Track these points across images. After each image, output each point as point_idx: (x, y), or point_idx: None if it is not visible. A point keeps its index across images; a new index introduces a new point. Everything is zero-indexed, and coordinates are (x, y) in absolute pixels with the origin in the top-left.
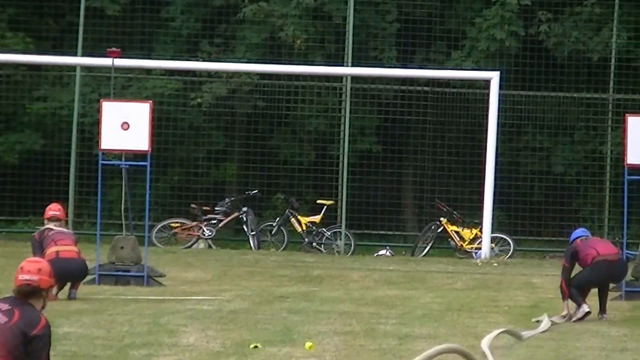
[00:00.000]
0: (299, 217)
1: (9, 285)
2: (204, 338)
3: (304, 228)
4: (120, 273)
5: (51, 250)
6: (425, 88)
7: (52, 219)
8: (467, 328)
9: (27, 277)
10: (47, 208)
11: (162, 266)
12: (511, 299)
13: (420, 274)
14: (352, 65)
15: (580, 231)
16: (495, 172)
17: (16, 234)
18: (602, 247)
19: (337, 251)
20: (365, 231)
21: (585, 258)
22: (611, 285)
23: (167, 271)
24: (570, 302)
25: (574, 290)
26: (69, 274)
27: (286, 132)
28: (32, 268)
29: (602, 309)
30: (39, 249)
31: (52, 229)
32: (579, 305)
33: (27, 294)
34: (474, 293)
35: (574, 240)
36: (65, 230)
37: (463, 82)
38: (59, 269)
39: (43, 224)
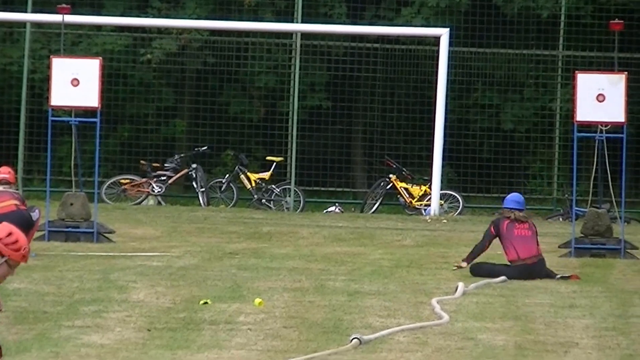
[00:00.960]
0: (248, 173)
1: None
2: (153, 294)
3: (254, 185)
4: (70, 229)
5: None
6: (375, 45)
7: (1, 182)
8: (416, 285)
9: None
10: None
11: (112, 223)
12: (460, 256)
13: (370, 231)
14: (302, 22)
15: (512, 200)
16: (445, 129)
17: None
18: (522, 249)
19: (286, 208)
20: (315, 188)
21: (506, 251)
22: (560, 242)
23: (117, 228)
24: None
25: (486, 271)
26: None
27: (236, 89)
28: None
29: None
30: None
31: None
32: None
33: None
34: (423, 250)
35: (505, 208)
36: (9, 190)
37: (413, 39)
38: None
39: None
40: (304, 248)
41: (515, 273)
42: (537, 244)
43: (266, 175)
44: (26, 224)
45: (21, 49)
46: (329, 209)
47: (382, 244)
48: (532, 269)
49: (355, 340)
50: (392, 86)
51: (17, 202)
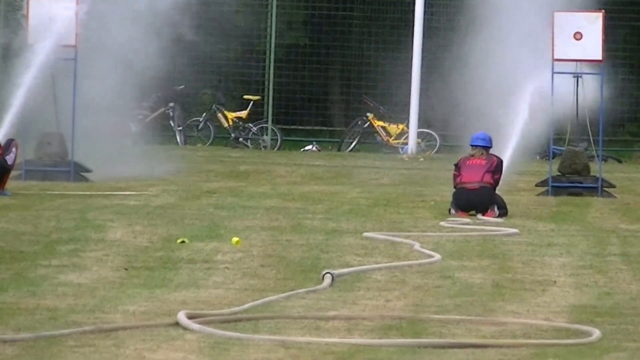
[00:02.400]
0: (225, 112)
1: None
2: (131, 233)
3: (231, 123)
4: (47, 168)
5: None
6: None
7: None
8: (393, 223)
9: None
10: None
11: (89, 162)
12: (437, 194)
13: (347, 169)
14: None
15: (477, 137)
16: (422, 68)
17: None
18: (466, 174)
19: (263, 146)
20: (292, 127)
21: (455, 178)
22: (537, 181)
23: (94, 167)
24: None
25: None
26: None
27: (213, 27)
28: None
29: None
30: None
31: None
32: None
33: None
34: (401, 188)
35: (471, 145)
36: None
37: None
38: None
39: None
40: (282, 187)
41: (455, 198)
42: (489, 174)
43: (243, 114)
44: (2, 170)
45: None
46: (307, 148)
47: (360, 182)
48: (470, 194)
49: (328, 275)
50: (369, 25)
51: None
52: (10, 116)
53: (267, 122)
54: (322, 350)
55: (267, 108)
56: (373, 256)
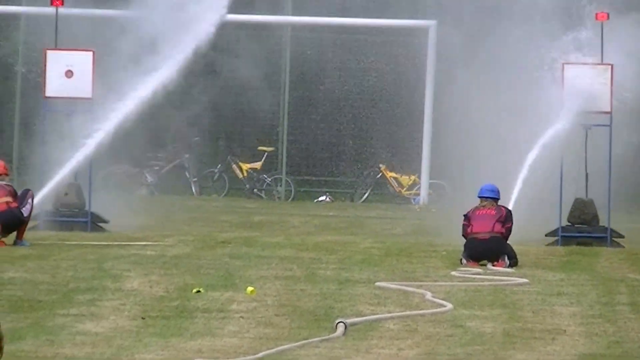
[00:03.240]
0: (240, 163)
1: None
2: (147, 283)
3: (245, 175)
4: (64, 219)
5: None
6: (364, 36)
7: None
8: (406, 273)
9: None
10: None
11: (106, 212)
12: (449, 244)
13: (360, 220)
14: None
15: (486, 189)
16: (433, 120)
17: None
18: (477, 224)
19: (277, 197)
20: (305, 177)
21: (465, 228)
22: (547, 231)
23: (111, 217)
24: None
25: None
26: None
27: (228, 80)
28: None
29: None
30: None
31: None
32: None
33: None
34: (413, 238)
35: (480, 197)
36: (1, 183)
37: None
38: None
39: None
40: (295, 237)
41: (466, 248)
42: (499, 224)
43: (258, 165)
44: (18, 222)
45: (16, 42)
46: (320, 198)
47: (372, 232)
48: (481, 244)
49: (341, 324)
50: (381, 77)
51: (9, 198)
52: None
53: (281, 173)
54: None
55: (281, 159)
56: (385, 305)
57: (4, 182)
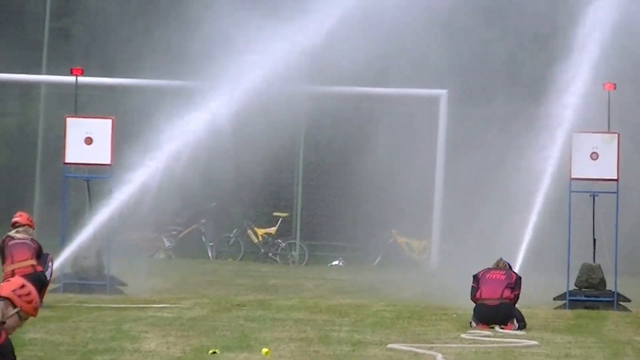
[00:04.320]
0: (255, 228)
1: None
2: (164, 344)
3: (260, 239)
4: (83, 282)
5: (8, 268)
6: (377, 105)
7: (15, 225)
8: (417, 335)
9: None
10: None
11: (124, 275)
12: (459, 307)
13: (372, 283)
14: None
15: None
16: (444, 185)
17: None
18: (486, 290)
19: (292, 261)
20: (319, 242)
21: (474, 291)
22: (555, 294)
23: (129, 280)
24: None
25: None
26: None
27: (243, 146)
28: (8, 280)
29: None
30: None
31: (13, 238)
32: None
33: None
34: (424, 301)
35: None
36: (27, 240)
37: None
38: None
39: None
40: (309, 300)
41: (475, 312)
42: (508, 290)
43: (272, 230)
44: (40, 284)
45: (37, 109)
46: (333, 262)
47: (384, 295)
48: (490, 310)
49: None
50: (394, 145)
51: (34, 261)
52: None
53: (295, 238)
54: None
55: (295, 225)
56: None
57: (28, 238)
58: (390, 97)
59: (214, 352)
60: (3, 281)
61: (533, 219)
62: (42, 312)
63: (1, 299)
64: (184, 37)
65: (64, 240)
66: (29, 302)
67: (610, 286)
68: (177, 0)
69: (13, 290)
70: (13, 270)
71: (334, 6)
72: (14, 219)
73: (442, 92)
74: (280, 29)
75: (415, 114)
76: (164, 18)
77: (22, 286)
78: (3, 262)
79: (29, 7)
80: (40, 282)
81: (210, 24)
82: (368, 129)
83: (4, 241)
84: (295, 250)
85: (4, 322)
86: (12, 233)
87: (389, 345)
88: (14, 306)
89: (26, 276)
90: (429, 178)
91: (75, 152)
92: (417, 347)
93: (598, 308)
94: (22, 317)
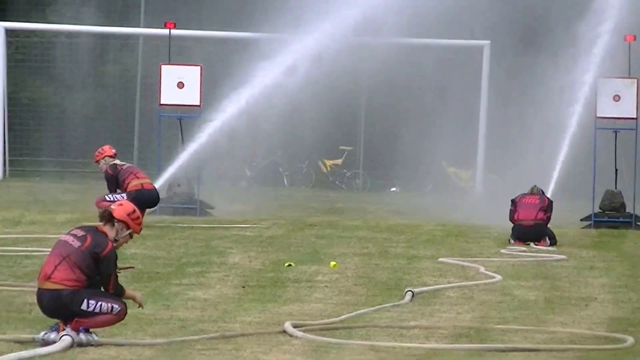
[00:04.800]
0: (324, 160)
1: (84, 216)
2: (247, 258)
3: (329, 169)
4: (177, 206)
5: (135, 182)
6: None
7: (116, 156)
8: (463, 250)
9: (109, 206)
10: (104, 148)
11: (212, 200)
12: (499, 227)
13: (425, 207)
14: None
15: None
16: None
17: (89, 173)
18: (522, 212)
19: (355, 188)
20: (380, 171)
21: (512, 214)
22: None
23: (216, 204)
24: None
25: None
26: (151, 202)
27: (316, 90)
28: (118, 203)
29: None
30: (113, 182)
31: (122, 164)
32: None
33: (102, 219)
34: (469, 223)
35: None
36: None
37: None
38: (147, 197)
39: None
40: (371, 220)
41: (513, 232)
42: (542, 212)
43: (339, 161)
44: (155, 201)
45: (135, 58)
46: (391, 189)
47: (435, 217)
48: (526, 230)
49: (409, 292)
50: (441, 86)
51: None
52: None
53: (358, 168)
54: (405, 354)
55: (359, 157)
56: (446, 277)
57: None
58: (438, 46)
59: (289, 265)
60: (112, 204)
61: (564, 152)
62: (141, 231)
63: (118, 221)
64: None
65: (159, 170)
66: (139, 225)
67: (629, 209)
68: None
69: (128, 215)
70: (142, 184)
71: None
72: (114, 150)
73: (486, 43)
74: None
75: (461, 62)
76: None
77: (134, 211)
78: (119, 187)
79: None
80: (156, 199)
81: None
82: (421, 75)
83: (115, 168)
84: (359, 178)
85: (117, 240)
86: (117, 162)
87: (439, 259)
88: (128, 228)
89: (154, 191)
90: (474, 117)
91: (169, 95)
92: (463, 261)
93: (618, 228)
94: (132, 236)
